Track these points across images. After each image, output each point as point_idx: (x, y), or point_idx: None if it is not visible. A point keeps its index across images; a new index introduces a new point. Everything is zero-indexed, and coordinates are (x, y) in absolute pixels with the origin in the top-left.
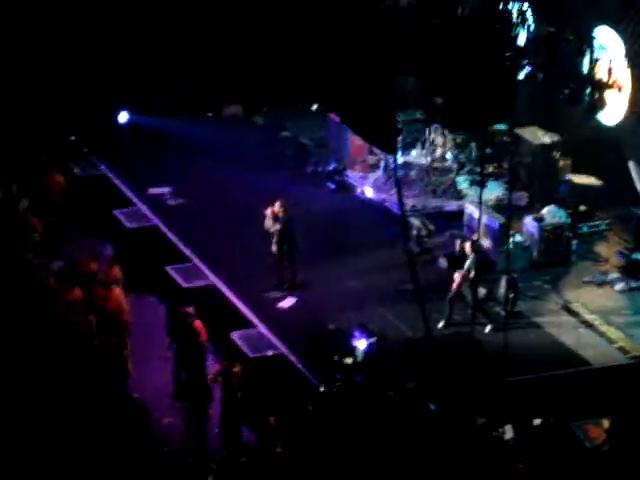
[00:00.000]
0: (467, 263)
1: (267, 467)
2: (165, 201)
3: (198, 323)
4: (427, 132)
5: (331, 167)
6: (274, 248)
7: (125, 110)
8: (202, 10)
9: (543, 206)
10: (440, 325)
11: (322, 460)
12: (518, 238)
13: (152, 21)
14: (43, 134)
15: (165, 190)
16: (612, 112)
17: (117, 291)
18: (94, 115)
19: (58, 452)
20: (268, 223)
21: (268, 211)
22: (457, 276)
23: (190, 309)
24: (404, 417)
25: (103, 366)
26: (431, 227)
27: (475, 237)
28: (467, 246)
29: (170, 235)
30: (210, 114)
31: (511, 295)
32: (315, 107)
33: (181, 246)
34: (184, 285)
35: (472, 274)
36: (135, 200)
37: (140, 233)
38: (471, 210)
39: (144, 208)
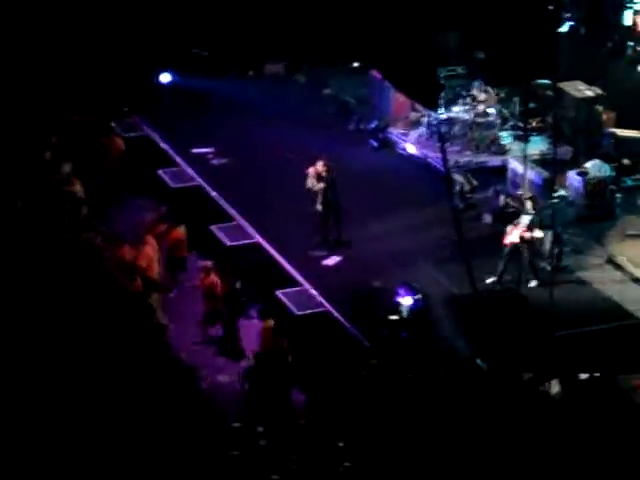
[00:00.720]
0: (526, 219)
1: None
2: (209, 161)
3: (212, 278)
4: (470, 87)
5: (373, 124)
6: (318, 207)
7: (167, 71)
8: None
9: (587, 160)
10: (489, 280)
11: (375, 420)
12: (562, 193)
13: None
14: (88, 96)
15: (208, 150)
16: None
17: (148, 248)
18: (137, 76)
19: (103, 407)
20: (311, 182)
21: (311, 170)
22: (510, 230)
23: (208, 263)
24: (452, 374)
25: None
26: (475, 183)
27: (528, 194)
28: (528, 203)
29: (214, 194)
30: (251, 73)
31: (556, 250)
32: (357, 64)
33: (225, 205)
34: (228, 244)
35: (535, 232)
36: (179, 160)
37: (184, 193)
38: (515, 165)
39: (188, 168)
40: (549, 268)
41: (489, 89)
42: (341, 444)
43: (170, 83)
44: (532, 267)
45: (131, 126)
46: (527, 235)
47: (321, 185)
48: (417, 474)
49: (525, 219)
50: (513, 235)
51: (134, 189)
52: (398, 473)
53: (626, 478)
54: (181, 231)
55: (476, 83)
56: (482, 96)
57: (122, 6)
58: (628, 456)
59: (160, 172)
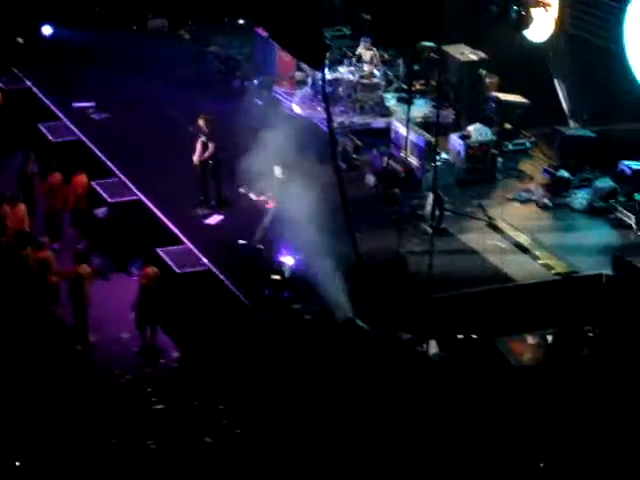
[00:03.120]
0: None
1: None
2: (90, 115)
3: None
4: (355, 48)
5: (257, 82)
6: (195, 160)
7: (49, 23)
8: None
9: (469, 124)
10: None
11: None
12: (444, 155)
13: None
14: None
15: (89, 104)
16: (539, 30)
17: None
18: (18, 28)
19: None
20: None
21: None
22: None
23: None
24: (331, 333)
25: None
26: (358, 144)
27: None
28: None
29: (95, 150)
30: (135, 28)
31: (437, 212)
32: (242, 21)
33: (106, 161)
34: (109, 200)
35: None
36: (60, 114)
37: (65, 147)
38: (398, 127)
39: (69, 122)
40: (430, 230)
41: (374, 50)
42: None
43: (52, 36)
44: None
45: (11, 79)
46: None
47: (202, 138)
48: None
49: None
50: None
51: (14, 142)
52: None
53: (500, 439)
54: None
55: (362, 43)
56: (367, 57)
57: None
58: (502, 417)
59: (41, 126)
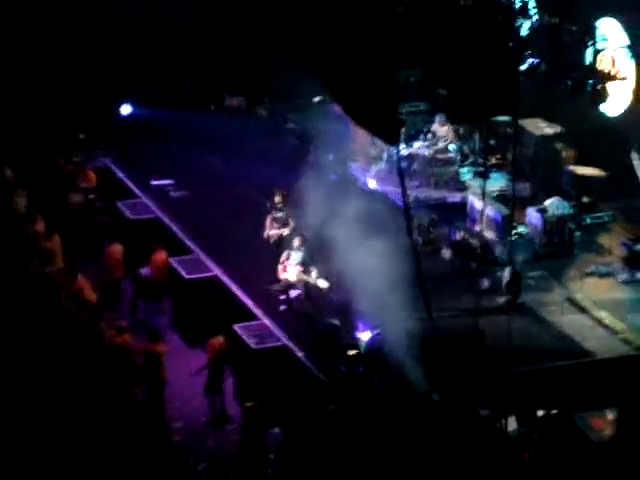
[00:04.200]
0: (299, 257)
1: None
2: (168, 193)
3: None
4: (430, 124)
5: (332, 158)
6: (273, 233)
7: (128, 102)
8: (204, 2)
9: (546, 197)
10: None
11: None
12: (521, 229)
13: (155, 13)
14: (48, 127)
15: (168, 182)
16: (615, 103)
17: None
18: (98, 107)
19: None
20: (268, 231)
21: (268, 220)
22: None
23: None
24: (407, 409)
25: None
26: (434, 218)
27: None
28: (296, 240)
29: (173, 227)
30: (212, 107)
31: (514, 287)
32: (318, 99)
33: (184, 238)
34: (186, 277)
35: (320, 283)
36: (138, 192)
37: (143, 224)
38: (474, 201)
39: (147, 200)
40: (507, 304)
41: (449, 125)
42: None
43: (130, 115)
44: (310, 303)
45: (90, 157)
46: (304, 277)
47: (279, 214)
48: None
49: (296, 256)
50: (289, 274)
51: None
52: None
53: None
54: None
55: (437, 118)
56: (442, 132)
57: (85, 37)
58: None
59: (119, 204)
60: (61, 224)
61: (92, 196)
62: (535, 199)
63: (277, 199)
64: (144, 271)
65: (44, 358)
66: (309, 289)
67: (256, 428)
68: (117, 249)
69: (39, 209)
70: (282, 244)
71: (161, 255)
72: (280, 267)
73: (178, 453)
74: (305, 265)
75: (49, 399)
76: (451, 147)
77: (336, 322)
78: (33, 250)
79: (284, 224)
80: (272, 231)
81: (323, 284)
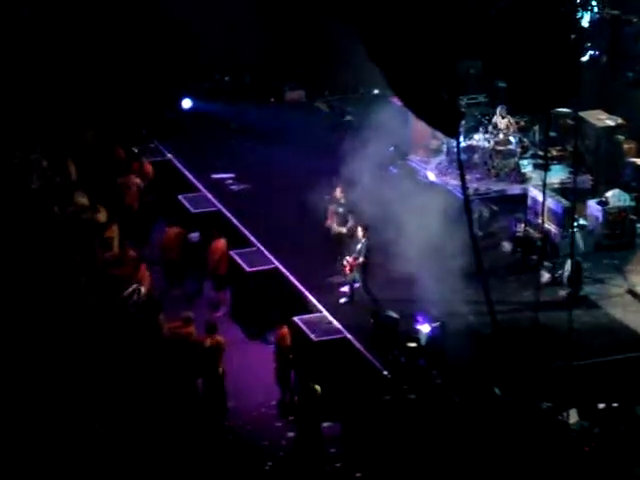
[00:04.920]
0: (358, 247)
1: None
2: (228, 186)
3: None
4: (490, 116)
5: (392, 151)
6: (336, 230)
7: (189, 96)
8: None
9: (607, 189)
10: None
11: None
12: (582, 222)
13: (216, 7)
14: (110, 122)
15: (228, 176)
16: None
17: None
18: (159, 101)
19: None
20: (331, 223)
21: (331, 208)
22: (348, 261)
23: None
24: (469, 401)
25: None
26: (495, 210)
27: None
28: (359, 230)
29: (234, 220)
30: (272, 100)
31: (575, 279)
32: (377, 91)
33: (245, 231)
34: (247, 269)
35: (361, 259)
36: (199, 185)
37: (204, 218)
38: (535, 194)
39: (208, 193)
40: (568, 297)
41: (509, 117)
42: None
43: (191, 109)
44: (368, 294)
45: (152, 151)
46: (355, 263)
47: (340, 209)
48: None
49: (357, 247)
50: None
51: (155, 213)
52: None
53: None
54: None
55: (497, 110)
56: (503, 124)
57: (145, 31)
58: None
59: (180, 197)
60: (118, 212)
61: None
62: (596, 191)
63: (338, 193)
64: (193, 236)
65: (105, 350)
66: (367, 282)
67: (313, 417)
68: (174, 231)
69: (99, 199)
70: (342, 241)
71: (220, 243)
72: (346, 260)
73: (239, 445)
74: (362, 256)
75: (108, 392)
76: (512, 139)
77: (394, 315)
78: (95, 240)
79: (344, 219)
80: (333, 224)
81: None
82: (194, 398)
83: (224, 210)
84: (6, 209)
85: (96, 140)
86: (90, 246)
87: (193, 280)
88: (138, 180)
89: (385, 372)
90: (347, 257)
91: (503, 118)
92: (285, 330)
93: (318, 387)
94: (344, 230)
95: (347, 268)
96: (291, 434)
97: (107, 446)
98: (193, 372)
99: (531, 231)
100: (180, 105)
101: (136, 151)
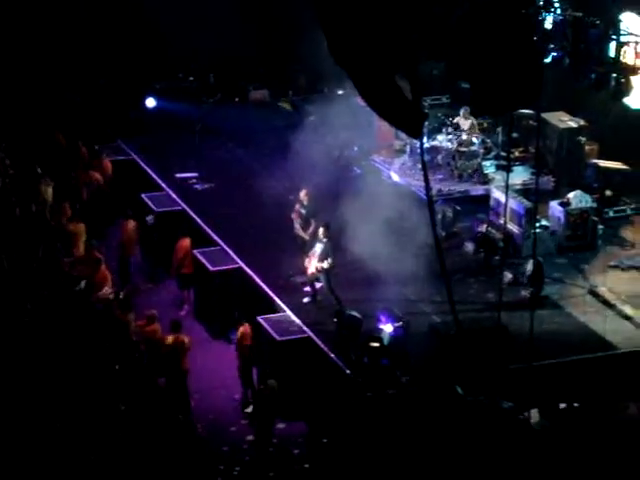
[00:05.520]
0: (319, 248)
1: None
2: (193, 185)
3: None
4: (453, 117)
5: (355, 151)
6: (299, 233)
7: (153, 95)
8: None
9: (569, 191)
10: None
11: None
12: (544, 222)
13: (180, 7)
14: (72, 119)
15: (192, 175)
16: (638, 96)
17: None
18: (122, 100)
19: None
20: (298, 226)
21: (294, 214)
22: (308, 262)
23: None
24: (430, 401)
25: None
26: (457, 209)
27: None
28: (320, 230)
29: (197, 219)
30: (237, 99)
31: (537, 280)
32: (341, 92)
33: (208, 230)
34: (211, 269)
35: (324, 264)
36: (163, 184)
37: (168, 217)
38: (497, 195)
39: (172, 192)
40: (530, 297)
41: (472, 118)
42: None
43: (155, 108)
44: (332, 294)
45: (116, 150)
46: (319, 265)
47: (302, 211)
48: None
49: (318, 248)
50: (311, 266)
51: (118, 212)
52: None
53: None
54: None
55: (460, 111)
56: (466, 125)
57: (111, 29)
58: None
59: (144, 196)
60: (80, 208)
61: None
62: (558, 192)
63: (302, 195)
64: (148, 218)
65: (69, 347)
66: (331, 282)
67: (267, 414)
68: (132, 225)
69: (64, 196)
70: (304, 242)
71: (185, 242)
72: (306, 260)
73: (201, 443)
74: (325, 256)
75: (71, 390)
76: (474, 140)
77: (356, 314)
78: (59, 236)
79: (307, 222)
80: (296, 225)
81: (327, 264)
82: (158, 396)
83: (188, 209)
84: None
85: (64, 139)
86: (53, 245)
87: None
88: (99, 176)
89: (348, 372)
90: (307, 256)
91: (466, 119)
92: (246, 328)
93: (274, 382)
94: (306, 236)
95: (308, 268)
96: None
97: (69, 444)
98: (157, 370)
99: (493, 231)
100: (144, 104)
101: (97, 148)
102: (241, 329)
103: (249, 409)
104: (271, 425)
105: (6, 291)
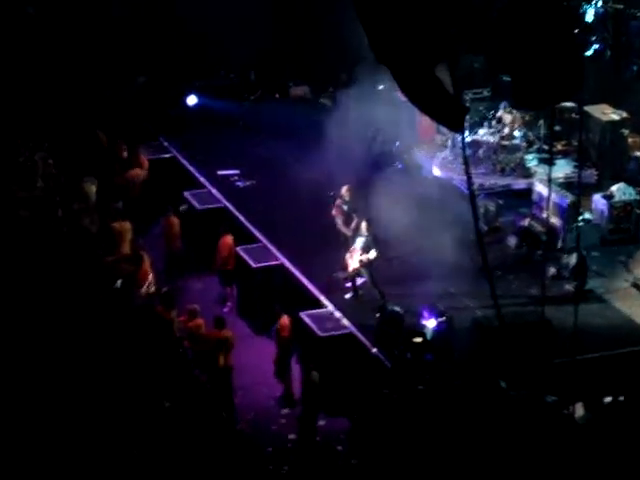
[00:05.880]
0: (360, 242)
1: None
2: (234, 183)
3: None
4: (495, 110)
5: (397, 147)
6: (342, 229)
7: (194, 93)
8: None
9: (612, 183)
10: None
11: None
12: (587, 216)
13: (221, 5)
14: (114, 117)
15: (234, 172)
16: None
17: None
18: (164, 98)
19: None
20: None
21: (335, 210)
22: (350, 256)
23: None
24: (477, 396)
25: None
26: (500, 204)
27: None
28: (363, 225)
29: (240, 216)
30: (278, 95)
31: (581, 274)
32: (382, 87)
33: (251, 227)
34: (253, 265)
35: (370, 253)
36: (205, 182)
37: (210, 214)
38: (540, 188)
39: (214, 190)
40: (574, 291)
41: (515, 112)
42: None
43: (197, 105)
44: (376, 288)
45: (157, 148)
46: (363, 258)
47: (345, 208)
48: None
49: (359, 242)
50: (353, 261)
51: (161, 210)
52: None
53: None
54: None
55: (502, 105)
56: (508, 119)
57: (151, 28)
58: None
59: (186, 194)
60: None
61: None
62: (601, 185)
63: (344, 191)
64: (182, 208)
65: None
66: (374, 277)
67: (310, 407)
68: (174, 221)
69: (107, 195)
70: (346, 239)
71: (228, 239)
72: (347, 255)
73: (245, 439)
74: (367, 249)
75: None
76: (516, 134)
77: (399, 309)
78: (103, 235)
79: (348, 218)
80: (338, 220)
81: (373, 255)
82: (202, 393)
83: (230, 206)
84: (8, 210)
85: (105, 138)
86: (96, 244)
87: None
88: (140, 172)
89: (389, 366)
90: (349, 252)
91: (508, 113)
92: (285, 319)
93: (317, 375)
94: (348, 232)
95: (349, 264)
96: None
97: (110, 441)
98: (201, 366)
99: (536, 225)
100: (185, 102)
101: (136, 146)
102: (280, 320)
103: (286, 410)
104: (314, 419)
105: (49, 290)
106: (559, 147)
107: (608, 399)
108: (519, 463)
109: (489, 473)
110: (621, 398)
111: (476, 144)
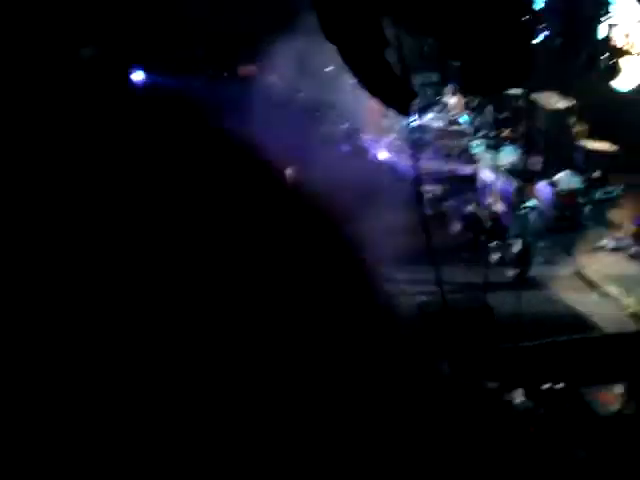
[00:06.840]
0: None
1: None
2: None
3: None
4: (442, 95)
5: (344, 129)
6: None
7: (140, 69)
8: None
9: (557, 171)
10: None
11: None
12: (532, 203)
13: None
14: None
15: None
16: (628, 78)
17: None
18: (109, 73)
19: None
20: None
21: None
22: None
23: None
24: (416, 380)
25: None
26: (445, 189)
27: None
28: None
29: None
30: (226, 74)
31: (524, 260)
32: (329, 69)
33: None
34: None
35: None
36: None
37: None
38: (485, 174)
39: None
40: (516, 278)
41: (462, 97)
42: None
43: (142, 82)
44: None
45: None
46: None
47: None
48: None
49: None
50: None
51: None
52: None
53: None
54: None
55: (449, 90)
56: (455, 104)
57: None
58: (588, 466)
59: None
60: None
61: None
62: (546, 173)
63: (289, 173)
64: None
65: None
66: None
67: None
68: None
69: None
70: None
71: None
72: None
73: None
74: None
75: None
76: (462, 119)
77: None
78: None
79: None
80: None
81: None
82: None
83: None
84: None
85: None
86: None
87: None
88: None
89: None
90: None
91: (455, 98)
92: None
93: None
94: None
95: None
96: None
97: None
98: None
99: (481, 211)
100: (131, 78)
101: None
102: None
103: None
104: None
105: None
106: (505, 134)
107: (547, 386)
108: (458, 449)
109: (423, 459)
110: (560, 385)
111: (423, 129)
